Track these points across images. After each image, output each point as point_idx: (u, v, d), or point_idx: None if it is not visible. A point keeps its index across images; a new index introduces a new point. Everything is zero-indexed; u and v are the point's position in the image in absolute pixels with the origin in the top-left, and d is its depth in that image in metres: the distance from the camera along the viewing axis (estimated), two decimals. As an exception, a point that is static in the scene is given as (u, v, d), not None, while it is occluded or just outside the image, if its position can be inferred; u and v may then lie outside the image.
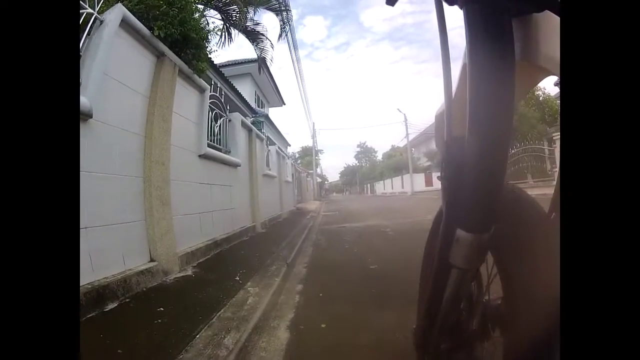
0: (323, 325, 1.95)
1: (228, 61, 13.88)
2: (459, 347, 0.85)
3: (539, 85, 17.06)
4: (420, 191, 28.05)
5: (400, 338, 1.65)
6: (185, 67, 3.71)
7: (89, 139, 2.31)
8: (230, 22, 6.91)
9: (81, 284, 2.07)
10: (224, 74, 10.36)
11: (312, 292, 2.65)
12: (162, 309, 2.15)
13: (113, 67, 2.61)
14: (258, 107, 16.17)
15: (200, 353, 1.62)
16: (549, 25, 0.54)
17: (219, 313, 2.11)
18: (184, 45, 3.55)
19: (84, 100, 2.20)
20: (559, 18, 0.48)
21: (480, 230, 0.60)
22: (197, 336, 1.78)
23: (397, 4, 0.69)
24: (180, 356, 1.59)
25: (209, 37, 4.27)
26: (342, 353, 1.65)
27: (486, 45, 0.55)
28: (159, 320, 1.97)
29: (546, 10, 0.54)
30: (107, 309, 2.09)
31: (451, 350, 0.86)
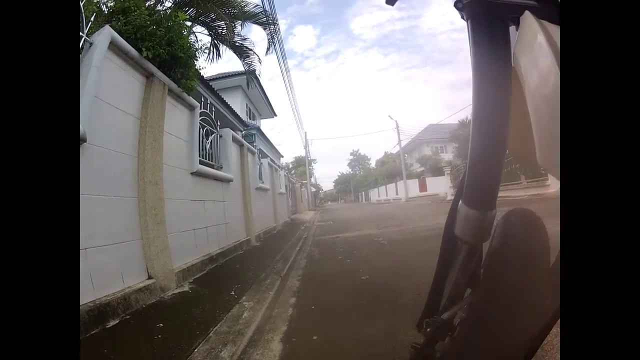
0: (315, 337, 2.05)
1: (218, 74, 13.93)
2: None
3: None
4: (414, 197, 27.89)
5: (388, 348, 1.75)
6: (174, 86, 3.77)
7: (83, 162, 2.37)
8: (218, 38, 7.02)
9: (83, 302, 2.15)
10: (213, 88, 10.43)
11: (305, 304, 2.75)
12: (161, 324, 2.23)
13: (103, 89, 2.65)
14: (249, 119, 16.24)
15: (198, 366, 1.72)
16: (548, 31, 0.56)
17: (216, 327, 2.21)
18: (172, 64, 3.61)
19: (77, 124, 2.25)
20: (557, 25, 0.53)
21: (483, 208, 0.68)
22: (196, 350, 1.88)
23: (390, 8, 0.77)
24: (180, 370, 1.68)
25: (197, 54, 4.28)
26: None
27: (486, 52, 0.61)
28: (159, 336, 2.06)
29: (546, 18, 0.58)
30: (108, 326, 2.17)
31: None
